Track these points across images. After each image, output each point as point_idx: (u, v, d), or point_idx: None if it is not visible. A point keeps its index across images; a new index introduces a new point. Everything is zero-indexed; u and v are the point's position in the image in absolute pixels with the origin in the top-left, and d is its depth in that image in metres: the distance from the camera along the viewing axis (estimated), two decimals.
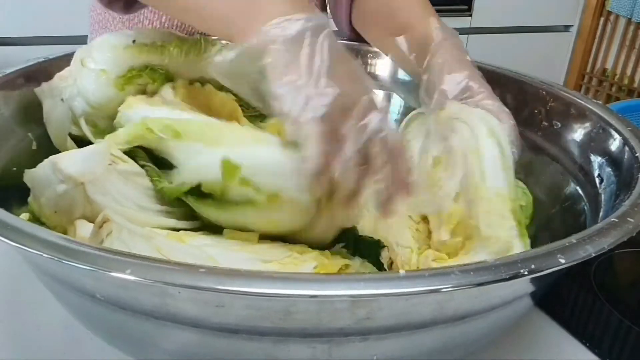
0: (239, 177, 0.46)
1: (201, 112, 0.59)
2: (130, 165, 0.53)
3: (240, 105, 0.65)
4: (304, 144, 0.42)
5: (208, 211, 0.50)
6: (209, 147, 0.49)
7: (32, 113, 0.60)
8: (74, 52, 0.61)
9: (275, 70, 0.44)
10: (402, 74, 0.76)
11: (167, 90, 0.60)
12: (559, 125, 0.64)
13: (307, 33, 0.44)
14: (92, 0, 0.90)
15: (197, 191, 0.49)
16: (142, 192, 0.53)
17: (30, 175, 0.49)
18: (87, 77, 0.58)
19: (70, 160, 0.48)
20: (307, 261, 0.48)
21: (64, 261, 0.33)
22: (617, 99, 2.24)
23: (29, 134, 0.59)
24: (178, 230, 0.51)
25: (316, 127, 0.42)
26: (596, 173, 0.56)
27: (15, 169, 0.55)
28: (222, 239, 0.50)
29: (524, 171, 0.67)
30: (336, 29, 0.85)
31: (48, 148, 0.59)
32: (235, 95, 0.66)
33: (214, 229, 0.52)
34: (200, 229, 0.53)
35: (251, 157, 0.46)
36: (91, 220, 0.47)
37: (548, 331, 0.55)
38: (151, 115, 0.55)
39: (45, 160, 0.48)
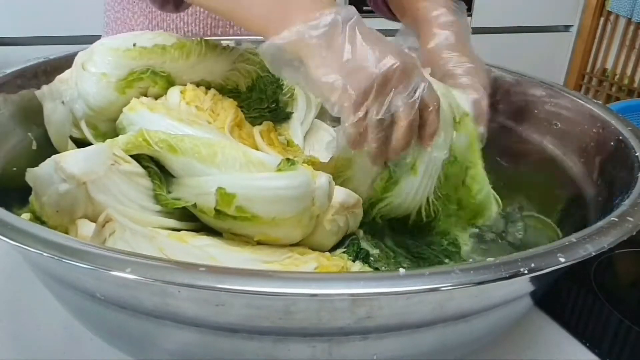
0: (235, 205, 0.47)
1: (205, 117, 0.59)
2: (133, 165, 0.53)
3: (241, 107, 0.65)
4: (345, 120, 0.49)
5: (206, 219, 0.50)
6: (203, 164, 0.50)
7: (32, 113, 0.60)
8: (74, 52, 0.61)
9: (313, 61, 0.49)
10: None
11: (174, 94, 0.61)
12: (559, 125, 0.64)
13: (339, 23, 0.49)
14: (107, 0, 0.90)
15: (193, 207, 0.50)
16: (144, 193, 0.52)
17: (33, 174, 0.48)
18: (88, 80, 0.58)
19: (72, 160, 0.48)
20: (308, 262, 0.48)
21: (63, 260, 0.33)
22: (617, 99, 2.24)
23: (29, 134, 0.59)
24: (179, 230, 0.52)
25: (353, 107, 0.48)
26: (596, 173, 0.56)
27: (15, 169, 0.55)
28: (223, 239, 0.50)
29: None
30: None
31: (48, 148, 0.59)
32: (237, 97, 0.66)
33: (214, 230, 0.52)
34: (201, 230, 0.53)
35: (247, 186, 0.47)
36: (93, 220, 0.47)
37: (548, 331, 0.55)
38: (150, 123, 0.55)
39: (48, 159, 0.48)
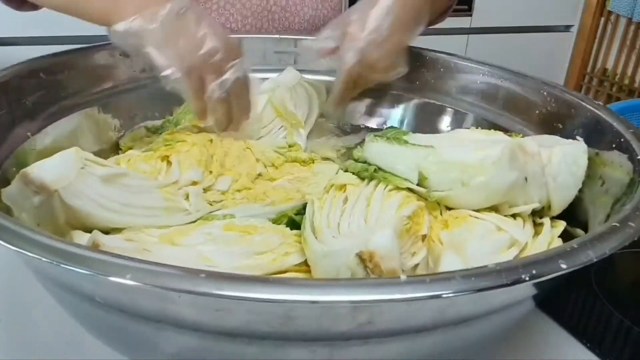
0: None
1: None
2: (109, 167, 0.52)
3: None
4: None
5: None
6: None
7: (32, 111, 0.60)
8: (74, 50, 0.61)
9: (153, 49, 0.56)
10: None
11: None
12: (560, 127, 0.64)
13: (173, 12, 0.56)
14: None
15: None
16: (127, 191, 0.52)
17: (7, 194, 0.47)
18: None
19: (40, 169, 0.48)
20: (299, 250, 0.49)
21: (62, 265, 0.33)
22: (618, 99, 2.24)
23: (29, 133, 0.59)
24: (169, 227, 0.51)
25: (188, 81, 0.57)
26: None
27: (14, 169, 0.54)
28: (217, 232, 0.50)
29: None
30: None
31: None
32: None
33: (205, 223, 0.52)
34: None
35: None
36: (76, 227, 0.47)
37: (548, 331, 0.55)
38: None
39: (17, 175, 0.48)
